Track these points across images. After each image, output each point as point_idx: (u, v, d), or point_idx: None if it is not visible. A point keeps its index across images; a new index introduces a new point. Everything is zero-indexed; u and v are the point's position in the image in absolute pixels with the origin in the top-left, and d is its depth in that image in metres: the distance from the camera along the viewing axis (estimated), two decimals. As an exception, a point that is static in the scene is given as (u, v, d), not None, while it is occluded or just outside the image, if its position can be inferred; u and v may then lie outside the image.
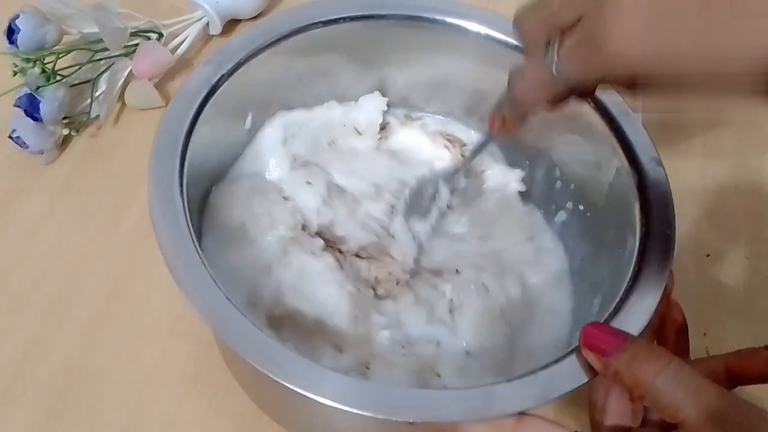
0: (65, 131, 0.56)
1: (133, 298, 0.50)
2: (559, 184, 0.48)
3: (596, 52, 0.29)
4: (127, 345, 0.48)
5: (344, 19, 0.45)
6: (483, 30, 0.46)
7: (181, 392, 0.46)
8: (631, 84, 0.30)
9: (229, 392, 0.46)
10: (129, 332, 0.49)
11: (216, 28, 0.64)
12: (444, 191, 0.47)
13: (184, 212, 0.36)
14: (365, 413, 0.31)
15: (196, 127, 0.40)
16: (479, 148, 0.46)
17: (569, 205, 0.48)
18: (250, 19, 0.66)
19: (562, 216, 0.48)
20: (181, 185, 0.37)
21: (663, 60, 0.28)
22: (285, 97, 0.48)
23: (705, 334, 0.49)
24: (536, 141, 0.48)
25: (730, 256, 0.55)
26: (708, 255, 0.55)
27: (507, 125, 0.39)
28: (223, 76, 0.42)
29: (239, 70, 0.42)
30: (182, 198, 0.37)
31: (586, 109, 0.43)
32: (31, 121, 0.54)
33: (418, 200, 0.47)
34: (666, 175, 0.40)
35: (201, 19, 0.63)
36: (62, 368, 0.47)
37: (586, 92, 0.35)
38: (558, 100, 0.34)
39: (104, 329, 0.49)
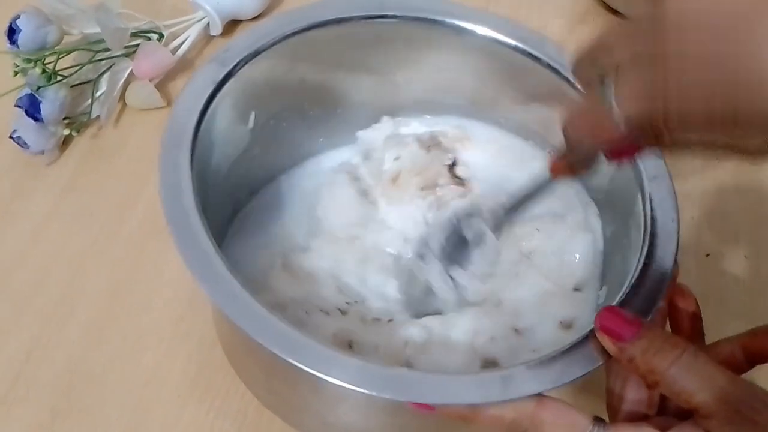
0: (66, 131, 0.56)
1: (136, 299, 0.50)
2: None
3: (654, 83, 0.27)
4: (129, 346, 0.48)
5: (348, 20, 0.45)
6: (485, 32, 0.46)
7: (182, 393, 0.47)
8: (699, 124, 0.27)
9: (230, 393, 0.47)
10: (131, 333, 0.49)
11: (217, 29, 0.64)
12: (490, 236, 0.43)
13: (195, 203, 0.36)
14: (383, 396, 0.31)
15: (204, 122, 0.40)
16: (534, 191, 0.41)
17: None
18: (251, 19, 0.66)
19: None
20: (193, 180, 0.37)
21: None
22: (288, 98, 0.48)
23: (705, 334, 0.49)
24: (536, 137, 0.49)
25: (730, 256, 0.55)
26: (708, 255, 0.55)
27: (572, 170, 0.37)
28: (228, 73, 0.42)
29: (243, 69, 0.43)
30: (193, 192, 0.37)
31: None
32: (32, 121, 0.54)
33: (456, 245, 0.44)
34: (667, 167, 0.41)
35: (202, 19, 0.63)
36: (64, 369, 0.47)
37: (651, 136, 0.30)
38: (621, 145, 0.31)
39: (106, 330, 0.49)
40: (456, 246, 0.44)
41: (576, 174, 0.38)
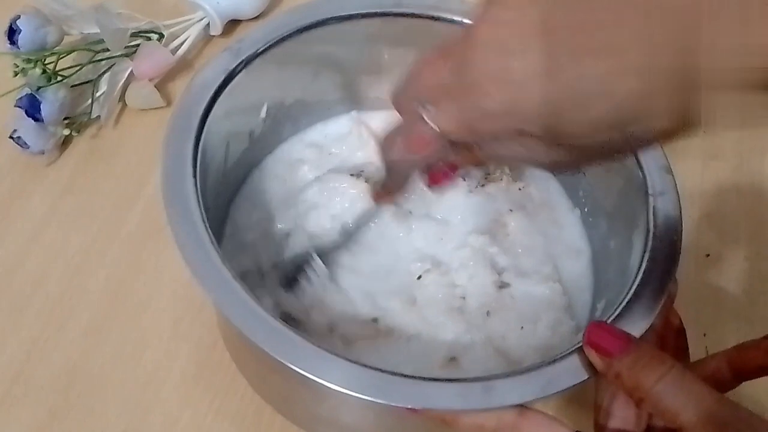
0: (66, 132, 0.56)
1: (135, 299, 0.50)
2: (570, 187, 0.49)
3: (468, 105, 0.29)
4: (128, 346, 0.48)
5: (361, 16, 0.45)
6: None
7: (182, 394, 0.47)
8: (521, 139, 0.29)
9: (229, 393, 0.47)
10: (130, 334, 0.49)
11: (216, 29, 0.64)
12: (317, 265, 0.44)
13: (197, 196, 0.37)
14: (367, 398, 0.32)
15: (212, 112, 0.40)
16: (361, 222, 0.45)
17: (577, 211, 0.48)
18: (251, 19, 0.66)
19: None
20: (195, 168, 0.38)
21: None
22: (301, 90, 0.48)
23: (705, 335, 0.49)
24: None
25: (729, 256, 0.55)
26: (708, 255, 0.55)
27: (389, 193, 0.40)
28: (240, 64, 0.42)
29: (256, 60, 0.43)
30: (195, 180, 0.37)
31: None
32: (32, 121, 0.54)
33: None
34: (675, 183, 0.40)
35: (202, 19, 0.63)
36: (64, 369, 0.47)
37: (466, 152, 0.33)
38: (438, 165, 0.34)
39: (106, 331, 0.49)
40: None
41: (393, 197, 0.41)
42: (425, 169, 0.38)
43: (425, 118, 0.31)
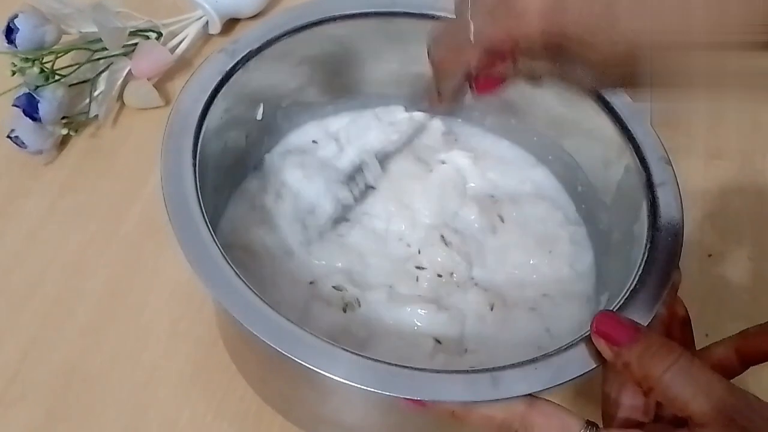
0: (64, 131, 0.56)
1: (133, 299, 0.50)
2: (568, 182, 0.48)
3: (508, 7, 0.30)
4: (126, 346, 0.48)
5: (358, 16, 0.45)
6: None
7: (180, 393, 0.46)
8: (552, 54, 0.30)
9: (228, 393, 0.46)
10: (129, 333, 0.48)
11: (215, 28, 0.64)
12: (374, 168, 0.47)
13: (197, 195, 0.37)
14: (376, 390, 0.31)
15: (209, 112, 0.40)
16: (419, 128, 0.47)
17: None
18: (250, 18, 0.66)
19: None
20: (195, 168, 0.38)
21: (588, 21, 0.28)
22: (298, 91, 0.48)
23: (707, 335, 0.49)
24: (546, 141, 0.49)
25: (732, 256, 0.55)
26: (710, 255, 0.54)
27: (440, 99, 0.39)
28: (235, 65, 0.42)
29: (252, 60, 0.43)
30: (195, 180, 0.37)
31: (595, 109, 0.43)
32: (30, 121, 0.54)
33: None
34: (674, 173, 0.40)
35: (200, 18, 0.63)
36: (62, 369, 0.47)
37: (504, 59, 0.33)
38: (483, 73, 0.34)
39: (104, 330, 0.48)
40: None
41: (447, 107, 0.40)
42: (473, 77, 0.37)
43: (470, 23, 0.32)
